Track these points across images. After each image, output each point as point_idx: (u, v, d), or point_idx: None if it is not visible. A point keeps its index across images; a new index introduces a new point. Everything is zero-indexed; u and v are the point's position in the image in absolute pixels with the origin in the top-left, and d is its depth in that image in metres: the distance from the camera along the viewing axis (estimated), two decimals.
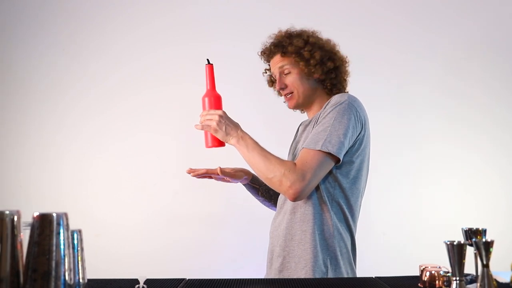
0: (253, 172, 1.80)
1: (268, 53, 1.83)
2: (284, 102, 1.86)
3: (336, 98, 1.66)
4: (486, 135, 2.75)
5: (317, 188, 1.63)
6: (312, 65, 1.73)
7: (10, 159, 2.78)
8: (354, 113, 1.63)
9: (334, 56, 1.78)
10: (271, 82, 1.92)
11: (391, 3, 2.83)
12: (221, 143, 1.69)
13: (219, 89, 2.67)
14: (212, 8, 2.83)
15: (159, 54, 2.81)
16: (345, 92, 1.79)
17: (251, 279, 1.49)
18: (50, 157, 2.77)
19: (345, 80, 1.81)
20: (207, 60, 1.75)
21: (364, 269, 2.61)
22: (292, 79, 1.76)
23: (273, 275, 1.69)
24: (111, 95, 2.81)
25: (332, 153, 1.56)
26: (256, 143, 1.66)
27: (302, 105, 1.81)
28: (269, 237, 1.82)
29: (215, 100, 1.73)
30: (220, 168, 1.82)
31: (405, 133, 2.77)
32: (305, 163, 1.57)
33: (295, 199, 1.59)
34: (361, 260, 2.66)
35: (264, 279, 1.61)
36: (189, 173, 1.83)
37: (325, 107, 1.67)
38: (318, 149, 1.56)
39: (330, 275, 1.61)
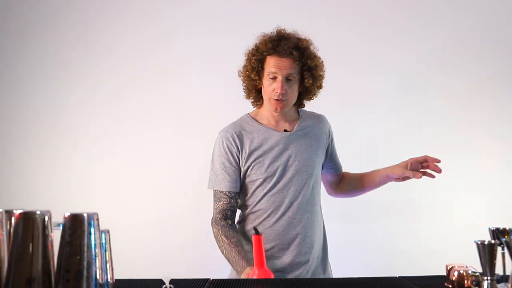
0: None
1: (282, 49, 1.75)
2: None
3: (328, 123, 1.96)
4: (495, 134, 2.75)
5: (318, 197, 1.89)
6: (315, 86, 1.85)
7: (19, 160, 2.76)
8: None
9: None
10: (253, 69, 1.82)
11: (393, 3, 2.82)
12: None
13: (220, 87, 2.69)
14: (220, 7, 2.82)
15: (167, 53, 2.80)
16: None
17: (276, 279, 1.48)
18: (59, 157, 2.75)
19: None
20: (256, 230, 1.52)
21: (373, 269, 2.62)
22: (292, 89, 1.80)
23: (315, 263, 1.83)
24: (119, 94, 2.79)
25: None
26: None
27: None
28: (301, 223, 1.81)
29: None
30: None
31: (412, 133, 2.76)
32: None
33: None
34: (370, 260, 2.68)
35: (288, 279, 1.60)
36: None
37: (330, 132, 1.95)
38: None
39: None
